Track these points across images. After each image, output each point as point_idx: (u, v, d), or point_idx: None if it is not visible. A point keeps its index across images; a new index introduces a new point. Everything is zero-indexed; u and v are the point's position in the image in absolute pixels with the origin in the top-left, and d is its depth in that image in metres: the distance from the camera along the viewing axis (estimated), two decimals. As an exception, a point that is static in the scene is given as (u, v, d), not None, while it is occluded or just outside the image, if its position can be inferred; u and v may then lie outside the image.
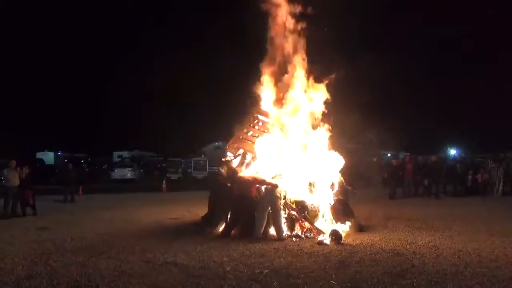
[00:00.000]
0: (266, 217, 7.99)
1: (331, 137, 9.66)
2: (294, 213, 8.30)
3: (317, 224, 8.31)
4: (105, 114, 41.57)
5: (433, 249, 7.00)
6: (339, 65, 9.48)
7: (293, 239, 7.85)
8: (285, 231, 8.02)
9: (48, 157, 33.37)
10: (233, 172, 8.93)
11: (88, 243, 7.77)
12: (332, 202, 8.79)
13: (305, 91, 9.90)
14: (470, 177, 17.36)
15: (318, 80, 9.83)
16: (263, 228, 7.97)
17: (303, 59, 9.85)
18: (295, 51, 9.91)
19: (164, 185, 20.66)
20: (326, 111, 9.80)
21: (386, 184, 17.26)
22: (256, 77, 10.23)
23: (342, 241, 7.51)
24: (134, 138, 39.80)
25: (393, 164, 18.11)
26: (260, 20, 9.94)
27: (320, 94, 9.74)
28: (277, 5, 9.82)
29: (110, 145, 39.72)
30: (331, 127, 9.79)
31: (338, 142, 10.02)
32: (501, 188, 16.60)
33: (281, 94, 10.13)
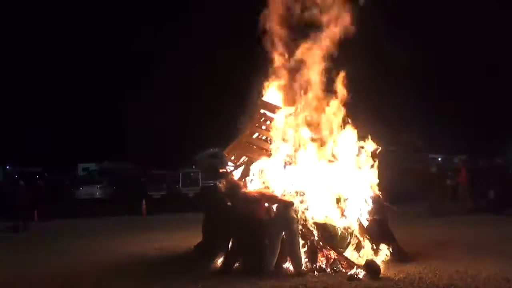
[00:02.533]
0: (279, 245, 7.95)
1: (362, 139, 9.64)
2: (316, 239, 8.24)
3: (347, 253, 8.26)
4: (66, 117, 41.78)
5: (503, 283, 6.92)
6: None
7: (315, 273, 7.80)
8: (305, 263, 7.97)
9: (-7, 172, 33.58)
10: (234, 187, 8.91)
11: (44, 286, 7.72)
12: (367, 223, 8.71)
13: (326, 80, 9.94)
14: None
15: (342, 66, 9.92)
16: (276, 259, 7.93)
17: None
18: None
19: (143, 206, 20.66)
20: (354, 105, 9.83)
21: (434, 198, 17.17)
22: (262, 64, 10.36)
23: (381, 275, 7.45)
24: (103, 146, 39.96)
25: (430, 172, 18.02)
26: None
27: (346, 82, 9.77)
28: None
29: (73, 155, 39.84)
30: (362, 125, 9.78)
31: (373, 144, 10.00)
32: None
33: (296, 85, 10.17)
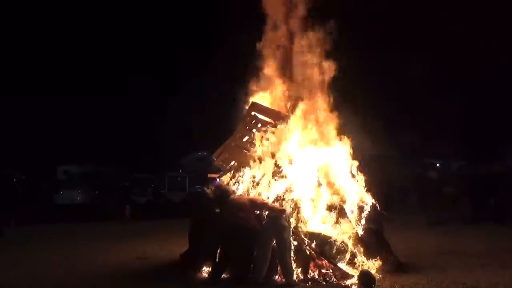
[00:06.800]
0: (270, 255, 7.95)
1: (357, 143, 9.69)
2: (308, 248, 8.26)
3: (341, 263, 8.28)
4: (45, 115, 41.36)
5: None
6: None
7: (308, 284, 7.81)
8: (296, 273, 7.98)
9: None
10: (222, 193, 8.89)
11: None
12: (361, 233, 8.75)
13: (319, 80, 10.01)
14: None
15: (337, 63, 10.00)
16: (266, 269, 7.92)
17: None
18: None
19: (127, 212, 20.59)
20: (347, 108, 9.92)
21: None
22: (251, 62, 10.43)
23: (376, 287, 7.47)
24: (85, 147, 39.70)
25: (429, 179, 18.20)
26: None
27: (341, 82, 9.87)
28: None
29: (53, 157, 39.51)
30: (357, 128, 9.86)
31: (367, 148, 10.09)
32: None
33: (288, 85, 10.22)
